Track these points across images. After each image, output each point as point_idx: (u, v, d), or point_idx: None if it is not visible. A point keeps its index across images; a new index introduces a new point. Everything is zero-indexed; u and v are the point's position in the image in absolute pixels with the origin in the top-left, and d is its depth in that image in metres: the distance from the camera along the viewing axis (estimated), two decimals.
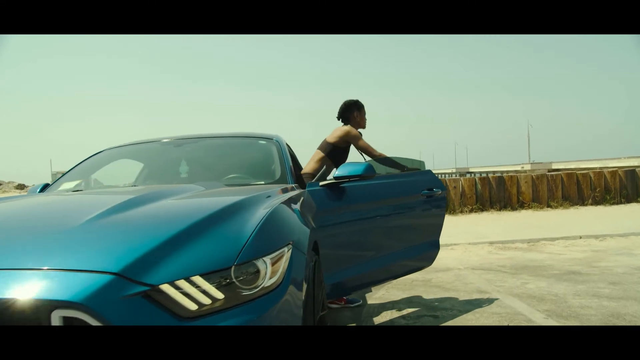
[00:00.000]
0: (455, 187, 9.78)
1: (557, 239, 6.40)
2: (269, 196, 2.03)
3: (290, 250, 1.59)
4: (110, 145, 3.43)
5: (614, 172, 10.25)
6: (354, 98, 4.00)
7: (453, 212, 9.65)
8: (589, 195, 10.06)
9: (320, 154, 3.87)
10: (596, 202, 10.04)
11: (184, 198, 1.92)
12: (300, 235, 1.80)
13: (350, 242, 2.93)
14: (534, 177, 9.99)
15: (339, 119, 4.00)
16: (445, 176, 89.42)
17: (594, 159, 49.41)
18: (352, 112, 3.93)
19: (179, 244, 1.38)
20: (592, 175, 10.14)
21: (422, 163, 3.87)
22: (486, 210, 9.74)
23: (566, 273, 4.41)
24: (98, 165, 3.23)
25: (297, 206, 2.16)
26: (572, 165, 51.79)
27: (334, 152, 3.84)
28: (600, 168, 44.46)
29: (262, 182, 2.75)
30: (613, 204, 10.04)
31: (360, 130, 3.95)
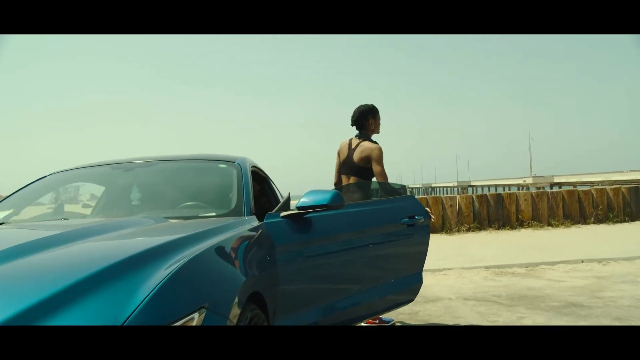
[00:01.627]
0: (451, 205, 9.41)
1: (558, 262, 6.02)
2: (202, 237, 1.69)
3: (203, 315, 1.25)
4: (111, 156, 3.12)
5: (616, 190, 9.88)
6: (369, 103, 3.75)
7: (449, 231, 9.27)
8: (591, 213, 9.68)
9: (357, 180, 3.63)
10: (599, 221, 9.64)
11: (87, 242, 1.58)
12: (224, 291, 1.45)
13: (319, 279, 2.58)
14: (533, 194, 9.63)
15: (353, 125, 3.75)
16: (445, 191, 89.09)
17: (597, 172, 48.92)
18: (367, 119, 3.68)
19: (37, 318, 1.04)
20: (594, 192, 9.77)
21: (403, 187, 3.54)
22: (484, 229, 9.35)
23: (566, 305, 4.03)
24: (40, 192, 2.90)
25: (236, 248, 1.82)
26: (574, 179, 51.27)
27: (367, 173, 3.61)
28: (603, 181, 44.04)
29: (214, 214, 2.42)
30: (617, 222, 9.65)
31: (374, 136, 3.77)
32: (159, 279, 1.23)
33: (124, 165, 2.94)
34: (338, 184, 3.89)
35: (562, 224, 9.45)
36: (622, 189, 9.90)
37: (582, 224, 9.59)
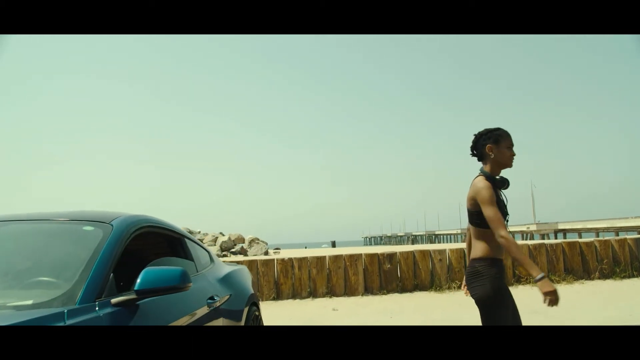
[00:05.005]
0: (441, 260, 8.58)
1: None
2: None
3: None
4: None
5: (622, 241, 9.05)
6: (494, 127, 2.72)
7: (439, 288, 8.39)
8: (596, 267, 8.80)
9: (476, 229, 2.63)
10: (604, 276, 8.76)
11: None
12: None
13: None
14: (530, 247, 8.80)
15: (472, 156, 2.79)
16: (449, 238, 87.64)
17: (602, 218, 47.93)
18: (484, 145, 2.68)
19: None
20: (597, 244, 8.94)
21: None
22: None
23: None
24: None
25: None
26: (579, 226, 50.25)
27: (481, 220, 2.57)
28: (608, 228, 42.81)
29: (30, 302, 1.69)
30: (624, 277, 8.75)
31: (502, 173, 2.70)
32: None
33: None
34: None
35: (563, 279, 8.56)
36: (628, 240, 9.07)
37: (586, 279, 8.70)
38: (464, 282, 2.72)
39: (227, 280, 3.32)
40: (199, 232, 28.39)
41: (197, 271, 2.97)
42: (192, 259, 2.98)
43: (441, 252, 8.64)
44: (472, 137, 2.77)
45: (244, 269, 4.05)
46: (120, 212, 2.42)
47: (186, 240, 3.05)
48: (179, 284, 1.92)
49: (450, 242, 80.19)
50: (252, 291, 3.70)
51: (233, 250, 26.27)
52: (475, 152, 2.76)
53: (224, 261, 3.98)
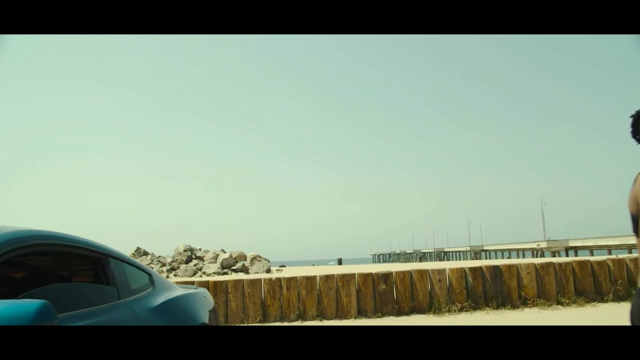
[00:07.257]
0: (440, 280, 7.96)
1: None
2: None
3: None
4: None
5: (637, 260, 8.38)
6: None
7: (439, 311, 7.76)
8: (609, 289, 8.13)
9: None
10: (619, 298, 8.07)
11: None
12: None
13: None
14: (537, 266, 8.16)
15: (638, 142, 2.03)
16: (458, 255, 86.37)
17: (614, 235, 46.73)
18: None
19: None
20: (610, 264, 8.28)
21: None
22: (480, 308, 7.82)
23: None
24: None
25: None
26: (590, 243, 49.06)
27: None
28: (620, 245, 41.66)
29: None
30: None
31: None
32: None
33: None
34: None
35: (574, 302, 7.89)
36: None
37: (599, 301, 8.03)
38: None
39: (167, 309, 2.79)
40: (199, 249, 27.87)
41: (120, 298, 2.45)
42: (114, 284, 2.47)
43: (440, 272, 8.03)
44: (630, 119, 2.03)
45: (200, 293, 3.50)
46: (3, 226, 1.94)
47: (110, 260, 2.54)
48: (38, 320, 1.43)
49: (460, 259, 78.93)
50: (203, 320, 3.15)
51: (234, 267, 25.70)
52: (637, 137, 2.01)
53: (196, 282, 3.46)
